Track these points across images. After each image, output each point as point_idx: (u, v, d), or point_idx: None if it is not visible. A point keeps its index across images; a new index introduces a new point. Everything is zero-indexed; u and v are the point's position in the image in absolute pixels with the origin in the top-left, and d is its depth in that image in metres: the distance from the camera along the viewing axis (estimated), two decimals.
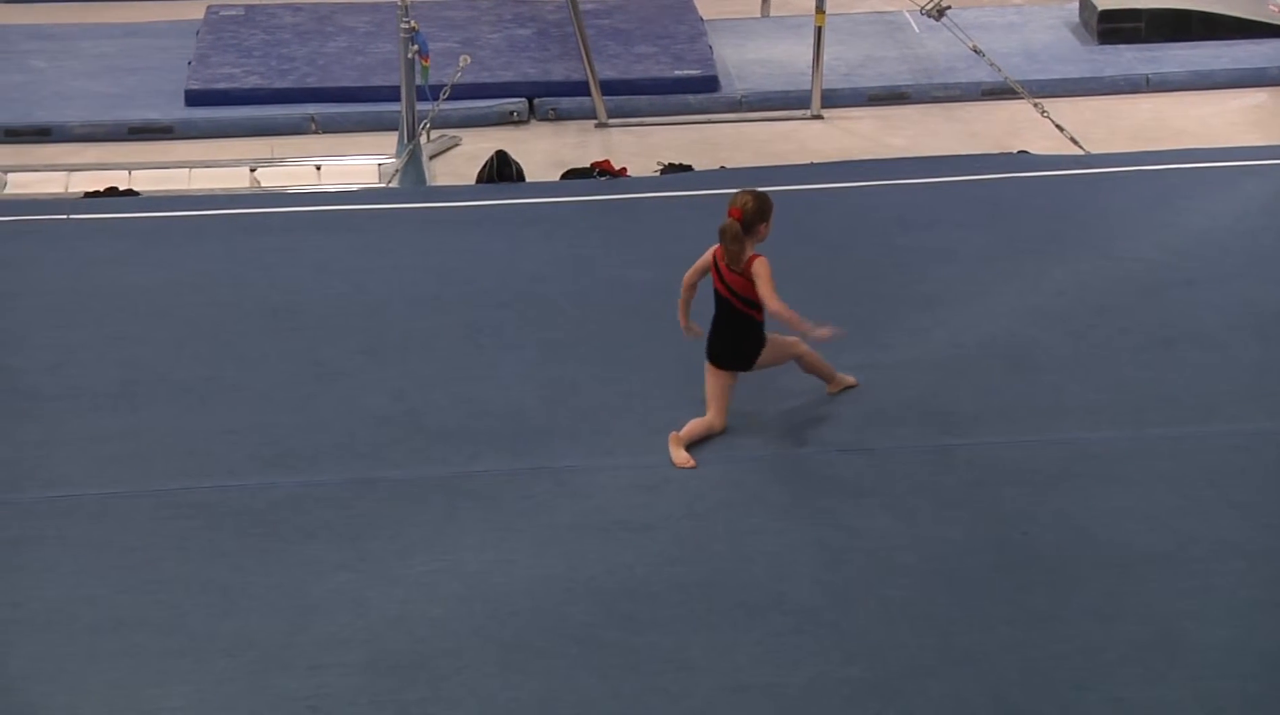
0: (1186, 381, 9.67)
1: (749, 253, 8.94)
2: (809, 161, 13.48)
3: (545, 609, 7.75)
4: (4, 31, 16.17)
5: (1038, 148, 13.60)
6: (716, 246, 9.00)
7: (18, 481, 8.83)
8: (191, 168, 13.68)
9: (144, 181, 13.22)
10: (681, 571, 8.02)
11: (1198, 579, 7.93)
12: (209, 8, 16.63)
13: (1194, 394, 9.54)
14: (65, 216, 12.23)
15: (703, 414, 9.15)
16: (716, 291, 9.08)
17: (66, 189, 13.21)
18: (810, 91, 14.74)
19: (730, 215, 8.91)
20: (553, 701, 7.21)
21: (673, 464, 8.92)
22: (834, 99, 14.89)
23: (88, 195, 12.86)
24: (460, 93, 13.93)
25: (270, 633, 7.61)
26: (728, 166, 13.35)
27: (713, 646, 7.51)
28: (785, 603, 7.77)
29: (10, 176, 13.44)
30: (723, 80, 15.21)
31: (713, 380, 9.17)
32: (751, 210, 8.91)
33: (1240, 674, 7.31)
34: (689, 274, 9.24)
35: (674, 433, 9.04)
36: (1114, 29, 15.93)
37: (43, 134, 14.35)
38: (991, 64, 14.41)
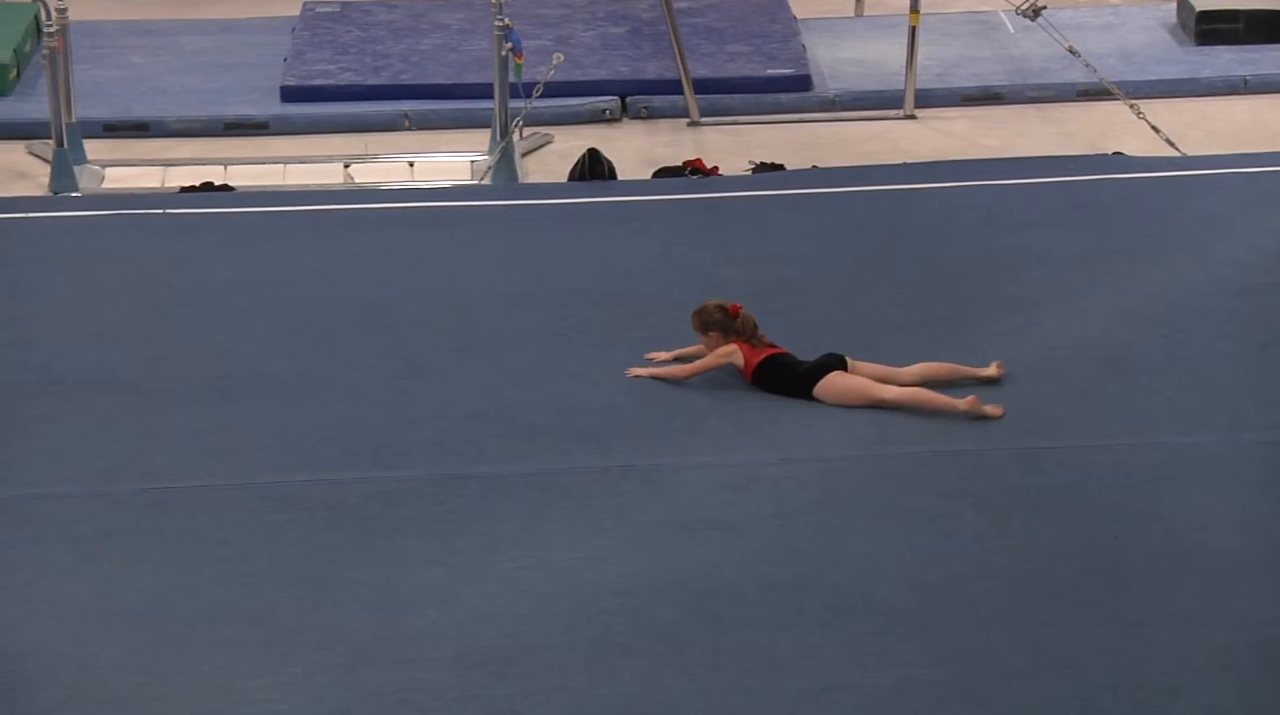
0: None
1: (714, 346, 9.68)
2: (901, 161, 13.44)
3: (633, 607, 7.75)
4: (103, 28, 16.31)
5: (1133, 149, 13.51)
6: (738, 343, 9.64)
7: (114, 474, 8.91)
8: (286, 163, 13.77)
9: (239, 177, 13.32)
10: (769, 571, 8.00)
11: None
12: (305, 4, 16.73)
13: None
14: (161, 211, 12.33)
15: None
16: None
17: (163, 184, 13.32)
18: (904, 91, 14.69)
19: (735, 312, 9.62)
20: (639, 699, 7.20)
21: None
22: (927, 99, 14.83)
23: (184, 190, 12.97)
24: (553, 90, 13.95)
25: (360, 626, 7.64)
26: (819, 166, 13.33)
27: (800, 646, 7.49)
28: (874, 603, 7.75)
29: (108, 171, 13.57)
30: (816, 79, 15.18)
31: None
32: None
33: None
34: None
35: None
36: (1212, 29, 15.79)
37: (140, 129, 14.47)
38: (1087, 64, 14.32)
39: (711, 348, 9.67)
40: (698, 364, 9.69)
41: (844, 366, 9.44)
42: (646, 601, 7.79)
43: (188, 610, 7.77)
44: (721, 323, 9.62)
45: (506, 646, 7.50)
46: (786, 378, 9.49)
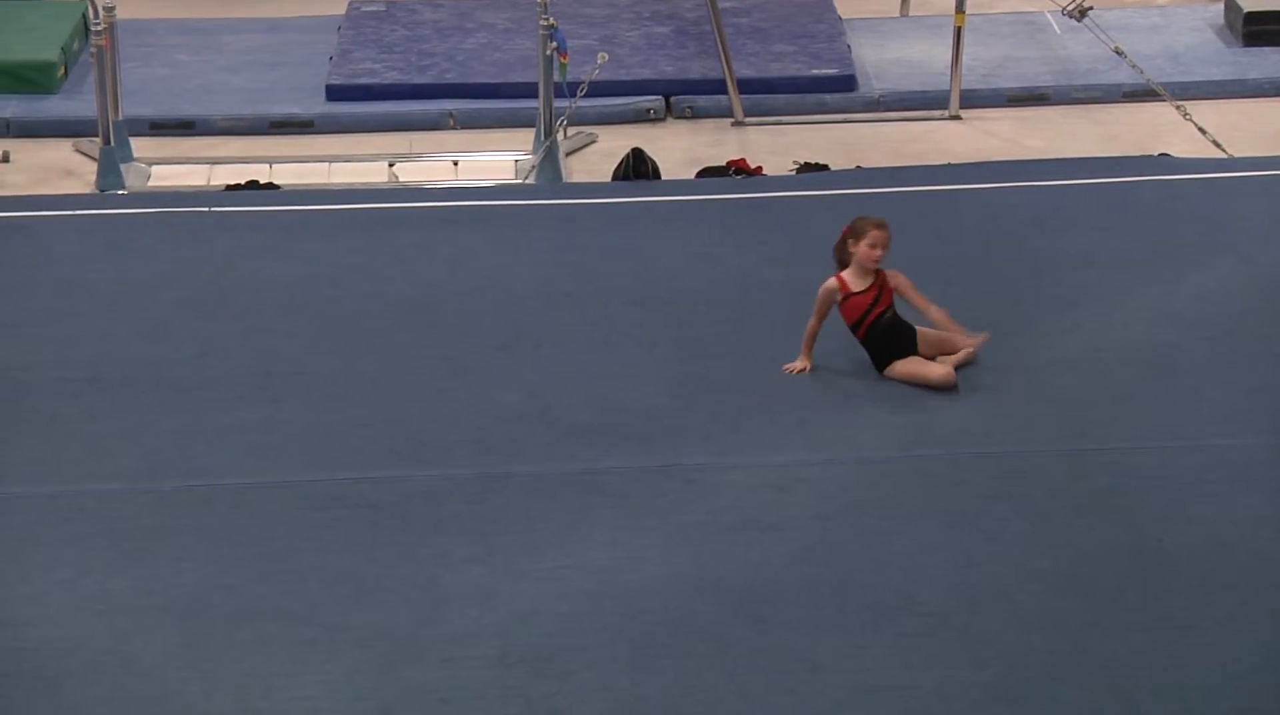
0: None
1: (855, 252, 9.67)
2: (946, 162, 13.41)
3: (674, 607, 7.76)
4: (150, 26, 16.36)
5: (1179, 151, 13.45)
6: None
7: (158, 470, 8.95)
8: (331, 162, 13.80)
9: (284, 175, 13.35)
10: (811, 572, 8.00)
11: None
12: (351, 3, 16.76)
13: None
14: (207, 209, 12.38)
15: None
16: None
17: (208, 182, 13.36)
18: (949, 92, 14.65)
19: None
20: (680, 699, 7.20)
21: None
22: (972, 99, 14.78)
23: (229, 188, 13.01)
24: (597, 90, 13.96)
25: (401, 624, 7.66)
26: (864, 166, 13.31)
27: (842, 647, 7.48)
28: (916, 605, 7.74)
29: (154, 169, 13.62)
30: (860, 80, 15.15)
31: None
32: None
33: None
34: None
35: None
36: (1260, 30, 15.70)
37: (186, 127, 14.52)
38: (1133, 65, 14.27)
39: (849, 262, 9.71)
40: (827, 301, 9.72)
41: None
42: (687, 602, 7.80)
43: (230, 607, 7.80)
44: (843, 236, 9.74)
45: (547, 646, 7.51)
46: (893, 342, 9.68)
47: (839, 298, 9.62)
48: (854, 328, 9.68)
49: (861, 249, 9.56)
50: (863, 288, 9.61)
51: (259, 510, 8.56)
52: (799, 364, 9.76)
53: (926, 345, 9.69)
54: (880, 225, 9.59)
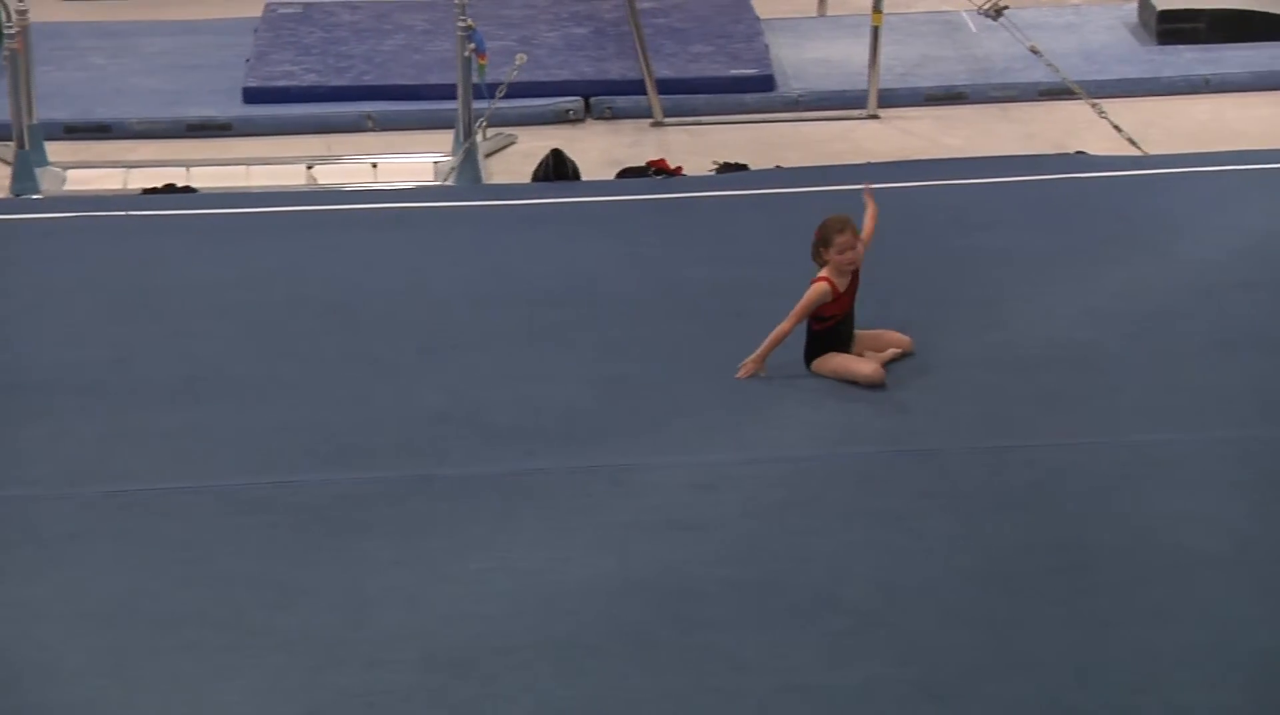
0: (1246, 384, 9.62)
1: (820, 273, 9.59)
2: (865, 161, 13.46)
3: (599, 608, 7.74)
4: (64, 29, 16.25)
5: (1095, 149, 13.55)
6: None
7: (79, 477, 8.87)
8: (249, 165, 13.74)
9: (202, 178, 13.28)
10: (737, 571, 8.00)
11: (1258, 583, 7.86)
12: (267, 5, 16.69)
13: (1254, 396, 9.49)
14: (124, 213, 12.29)
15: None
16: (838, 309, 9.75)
17: (125, 186, 13.28)
18: (867, 91, 14.71)
19: None
20: (605, 700, 7.19)
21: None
22: (890, 99, 14.85)
23: (146, 192, 12.93)
24: (516, 91, 13.94)
25: (327, 629, 7.62)
26: (783, 166, 13.34)
27: (767, 647, 7.48)
28: (842, 604, 7.74)
29: (70, 173, 13.51)
30: (779, 79, 15.19)
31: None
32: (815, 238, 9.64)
33: None
34: None
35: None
36: (1173, 29, 15.84)
37: (102, 131, 14.43)
38: (1049, 64, 14.36)
39: (827, 262, 9.64)
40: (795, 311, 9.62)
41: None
42: (613, 602, 7.78)
43: (154, 614, 7.73)
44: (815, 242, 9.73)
45: (473, 648, 7.48)
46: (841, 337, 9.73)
47: (830, 298, 9.59)
48: (821, 321, 9.62)
49: (834, 258, 9.53)
50: (845, 285, 9.60)
51: (181, 515, 8.49)
52: (754, 367, 9.70)
53: (858, 343, 9.71)
54: (843, 228, 9.56)
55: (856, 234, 9.60)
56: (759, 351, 9.64)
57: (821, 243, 9.61)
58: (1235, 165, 12.86)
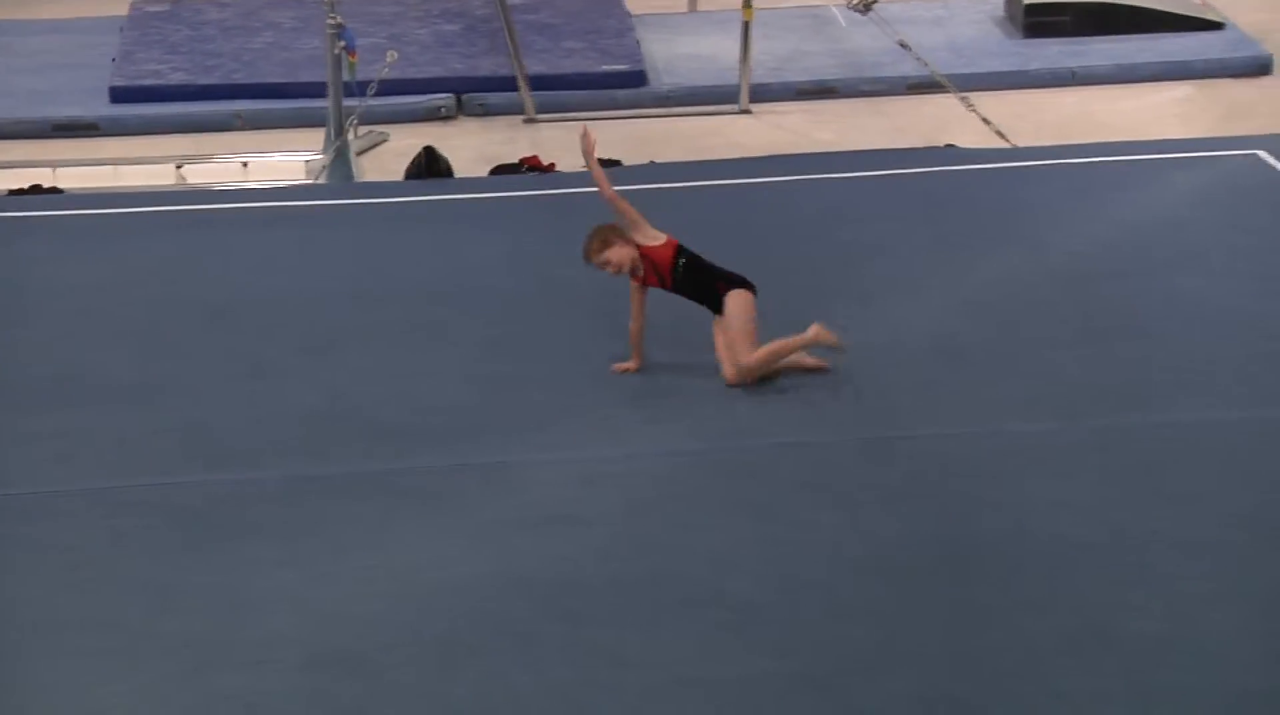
0: (1118, 373, 9.74)
1: (616, 253, 9.58)
2: (738, 156, 13.50)
3: (482, 605, 7.73)
4: None
5: (965, 142, 13.66)
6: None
7: None
8: (117, 165, 13.59)
9: (69, 179, 13.13)
10: (620, 566, 8.02)
11: (1131, 570, 7.97)
12: (133, 4, 16.53)
13: (1126, 385, 9.60)
14: None
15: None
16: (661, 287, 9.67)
17: None
18: (738, 86, 14.75)
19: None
20: (488, 697, 7.18)
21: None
22: (762, 94, 14.90)
23: (12, 193, 12.76)
24: (388, 88, 13.88)
25: (208, 630, 7.57)
26: (657, 161, 13.36)
27: (651, 641, 7.50)
28: (726, 597, 7.77)
29: None
30: (650, 75, 15.21)
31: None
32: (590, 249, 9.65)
33: (1173, 665, 7.34)
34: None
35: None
36: (1040, 23, 16.00)
37: None
38: (918, 58, 14.47)
39: (625, 264, 9.57)
40: (634, 296, 9.64)
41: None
42: (495, 599, 7.78)
43: (32, 618, 7.66)
44: (609, 229, 9.61)
45: (355, 648, 7.46)
46: (708, 275, 9.57)
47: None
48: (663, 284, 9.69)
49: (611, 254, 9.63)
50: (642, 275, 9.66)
51: (59, 519, 8.42)
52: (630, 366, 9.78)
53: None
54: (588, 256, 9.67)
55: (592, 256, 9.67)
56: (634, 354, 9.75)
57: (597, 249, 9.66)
58: (1102, 157, 13.00)
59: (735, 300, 9.55)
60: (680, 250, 9.58)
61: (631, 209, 9.58)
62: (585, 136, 9.74)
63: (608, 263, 9.57)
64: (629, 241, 9.57)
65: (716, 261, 9.73)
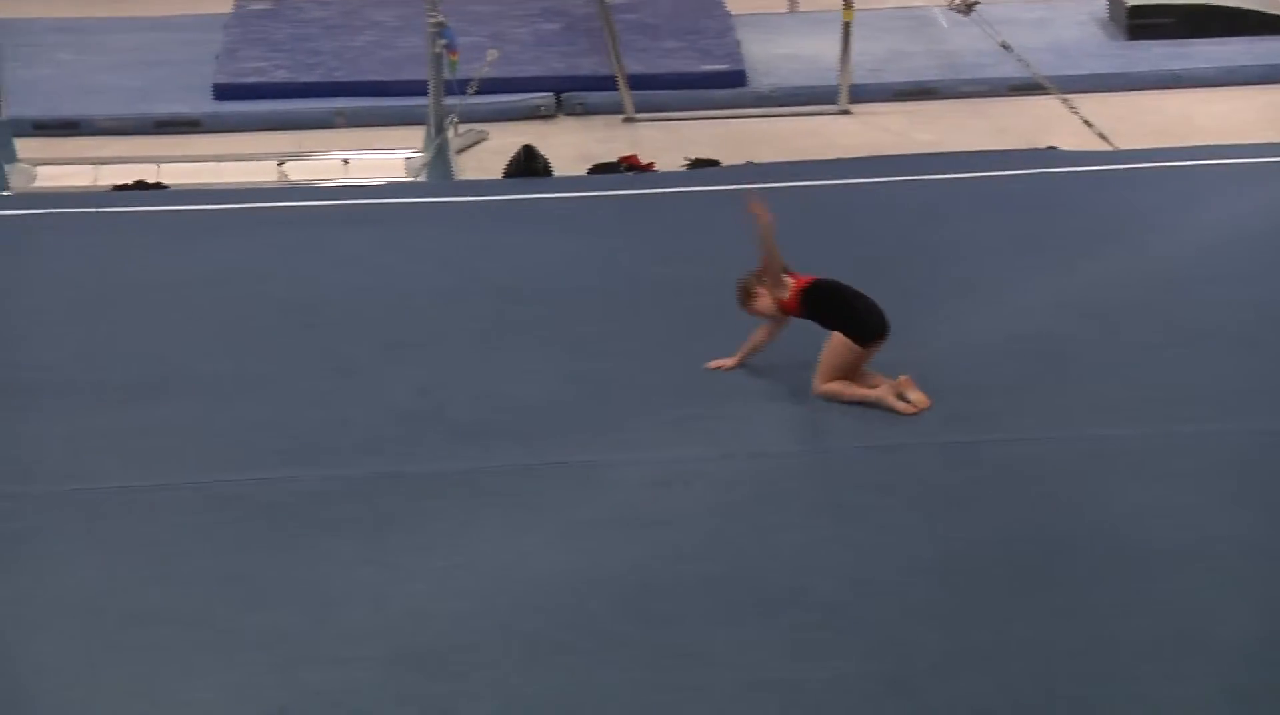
0: (1212, 378, 9.65)
1: (761, 303, 9.60)
2: (836, 157, 13.47)
3: (565, 604, 7.75)
4: (31, 25, 16.22)
5: (1066, 144, 13.58)
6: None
7: (44, 474, 8.86)
8: (219, 162, 13.72)
9: (172, 175, 13.28)
10: (703, 567, 8.00)
11: (1219, 575, 7.89)
12: (237, 2, 16.66)
13: (1219, 391, 9.51)
14: (94, 209, 12.28)
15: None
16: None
17: (95, 182, 13.26)
18: (838, 87, 14.73)
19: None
20: (572, 696, 7.19)
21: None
22: (861, 94, 14.89)
23: (116, 189, 12.91)
24: (488, 87, 13.96)
25: (294, 626, 7.61)
26: (755, 162, 13.35)
27: (733, 642, 7.49)
28: (807, 599, 7.76)
29: (40, 170, 13.50)
30: (750, 75, 15.22)
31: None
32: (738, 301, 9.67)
33: (1262, 669, 7.26)
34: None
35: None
36: (1144, 24, 15.91)
37: (70, 128, 14.42)
38: (1020, 60, 14.39)
39: (768, 311, 9.61)
40: (763, 330, 9.72)
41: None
42: (579, 599, 7.79)
43: (120, 612, 7.72)
44: (751, 281, 9.60)
45: (439, 646, 7.48)
46: (830, 318, 9.46)
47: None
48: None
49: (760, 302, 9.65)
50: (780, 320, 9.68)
51: (149, 513, 8.48)
52: (726, 364, 9.79)
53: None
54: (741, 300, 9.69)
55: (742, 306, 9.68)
56: (736, 355, 9.76)
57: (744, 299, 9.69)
58: (1204, 160, 12.90)
59: (834, 341, 9.44)
60: (804, 295, 9.51)
61: (775, 267, 9.51)
62: (760, 216, 9.48)
63: (754, 312, 9.67)
64: (764, 293, 9.58)
65: (825, 269, 9.70)
